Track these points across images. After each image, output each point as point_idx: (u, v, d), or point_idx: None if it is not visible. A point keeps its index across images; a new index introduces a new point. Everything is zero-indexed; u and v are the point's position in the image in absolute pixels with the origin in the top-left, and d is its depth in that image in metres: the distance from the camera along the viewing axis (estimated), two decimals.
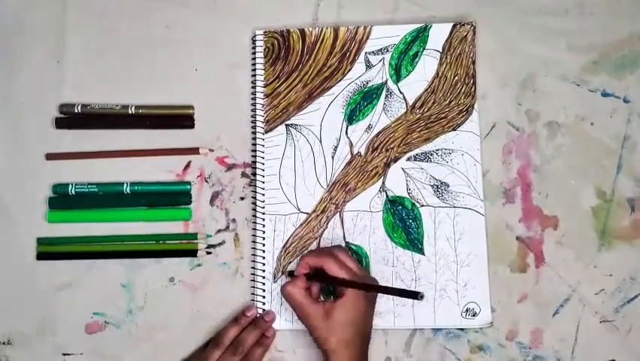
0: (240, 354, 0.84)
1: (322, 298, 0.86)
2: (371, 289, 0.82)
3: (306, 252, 0.89)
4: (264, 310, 0.88)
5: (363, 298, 0.81)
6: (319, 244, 0.89)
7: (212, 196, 0.91)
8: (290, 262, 0.89)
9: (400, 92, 0.91)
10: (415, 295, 0.73)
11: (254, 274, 0.89)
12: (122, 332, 0.89)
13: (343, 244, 0.89)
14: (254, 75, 0.93)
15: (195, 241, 0.90)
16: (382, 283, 0.87)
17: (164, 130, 0.92)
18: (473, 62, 0.91)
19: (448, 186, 0.89)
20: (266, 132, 0.91)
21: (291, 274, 0.87)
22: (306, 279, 0.83)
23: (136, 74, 0.94)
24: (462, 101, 0.91)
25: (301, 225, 0.90)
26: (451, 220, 0.88)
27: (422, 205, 0.89)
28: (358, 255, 0.88)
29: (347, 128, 0.91)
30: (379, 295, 0.85)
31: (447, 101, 0.91)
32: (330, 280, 0.82)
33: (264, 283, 0.89)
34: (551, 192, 0.90)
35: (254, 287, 0.89)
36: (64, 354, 0.89)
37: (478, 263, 0.88)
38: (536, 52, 0.92)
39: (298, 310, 0.82)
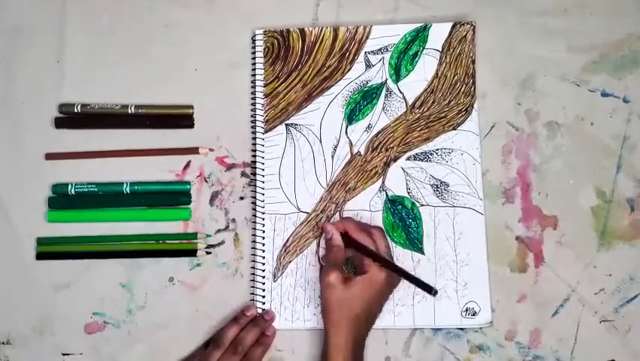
0: (240, 353, 0.84)
1: (345, 271, 0.85)
2: (395, 269, 0.82)
3: (349, 218, 0.89)
4: (263, 309, 0.88)
5: (384, 282, 0.81)
6: (319, 243, 0.89)
7: (211, 196, 0.91)
8: (290, 262, 0.89)
9: (400, 92, 0.91)
10: (429, 289, 0.77)
11: (253, 274, 0.89)
12: (122, 331, 0.89)
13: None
14: (253, 75, 0.93)
15: (195, 241, 0.90)
16: None
17: (163, 130, 0.92)
18: (473, 62, 0.91)
19: (448, 185, 0.89)
20: (265, 132, 0.91)
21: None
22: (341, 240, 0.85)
23: (135, 73, 0.94)
24: (461, 100, 0.91)
25: (301, 224, 0.90)
26: (450, 220, 0.88)
27: (422, 205, 0.89)
28: None
29: (347, 128, 0.91)
30: (397, 288, 0.86)
31: (446, 101, 0.91)
32: (363, 250, 0.83)
33: (263, 283, 0.89)
34: (551, 192, 0.90)
35: (253, 287, 0.89)
36: (64, 354, 0.89)
37: (478, 262, 0.88)
38: (536, 52, 0.92)
39: (327, 267, 0.83)
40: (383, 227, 0.89)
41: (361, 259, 0.83)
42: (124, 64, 0.94)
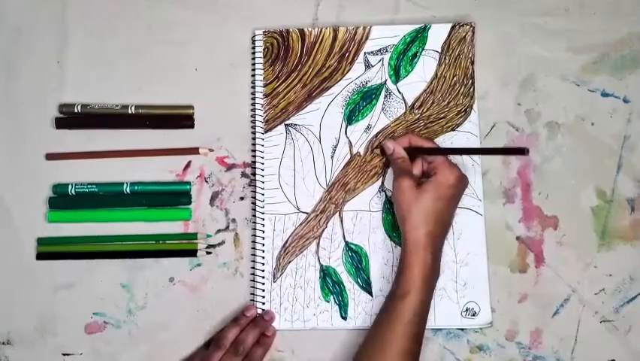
0: (241, 354, 0.85)
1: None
2: (475, 151, 0.83)
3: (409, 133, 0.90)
4: (263, 310, 0.88)
5: (455, 182, 0.82)
6: (319, 243, 0.89)
7: (212, 196, 0.91)
8: (290, 262, 0.89)
9: (399, 93, 0.91)
10: (521, 150, 0.76)
11: (253, 274, 0.89)
12: (122, 332, 0.90)
13: (343, 244, 0.89)
14: (253, 75, 0.93)
15: (195, 241, 0.90)
16: (382, 282, 0.87)
17: (164, 130, 0.92)
18: (472, 63, 0.91)
19: None
20: (265, 132, 0.91)
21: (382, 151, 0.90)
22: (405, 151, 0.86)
23: (136, 73, 0.94)
24: (460, 101, 0.91)
25: (301, 224, 0.90)
26: None
27: None
28: (358, 254, 0.88)
29: (346, 128, 0.91)
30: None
31: (446, 102, 0.91)
32: (434, 151, 0.84)
33: (263, 283, 0.89)
34: (551, 192, 0.90)
35: (253, 287, 0.89)
36: (64, 354, 0.89)
37: (478, 263, 0.88)
38: (536, 52, 0.92)
39: (398, 173, 0.85)
40: (383, 227, 0.89)
41: (429, 168, 0.84)
42: (124, 64, 0.94)
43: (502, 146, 0.90)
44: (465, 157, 0.89)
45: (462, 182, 0.84)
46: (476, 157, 0.89)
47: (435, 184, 0.82)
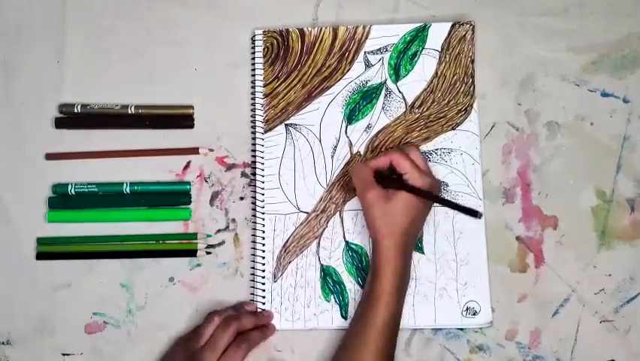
0: (233, 328, 0.83)
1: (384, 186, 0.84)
2: (434, 199, 0.82)
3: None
4: (263, 310, 0.88)
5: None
6: (319, 243, 0.89)
7: (211, 196, 0.91)
8: (290, 262, 0.89)
9: (399, 92, 0.91)
10: (474, 213, 0.77)
11: (253, 274, 0.89)
12: (122, 332, 0.89)
13: (343, 244, 0.89)
14: (253, 75, 0.93)
15: (195, 241, 0.90)
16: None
17: (163, 130, 0.92)
18: (472, 62, 0.91)
19: (447, 185, 0.89)
20: (265, 132, 0.91)
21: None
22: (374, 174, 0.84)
23: (135, 73, 0.94)
24: (461, 100, 0.91)
25: (301, 224, 0.90)
26: (450, 219, 0.88)
27: None
28: (358, 254, 0.88)
29: (346, 128, 0.91)
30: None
31: (446, 101, 0.91)
32: (396, 180, 0.82)
33: (263, 283, 0.89)
34: (551, 192, 0.90)
35: (253, 287, 0.89)
36: (64, 354, 0.89)
37: (478, 262, 0.88)
38: (536, 52, 0.92)
39: (361, 188, 0.83)
40: None
41: (397, 165, 0.83)
42: (124, 64, 0.94)
43: (502, 144, 0.90)
44: (465, 157, 0.89)
45: (433, 190, 0.83)
46: (477, 157, 0.89)
47: (405, 198, 0.81)
